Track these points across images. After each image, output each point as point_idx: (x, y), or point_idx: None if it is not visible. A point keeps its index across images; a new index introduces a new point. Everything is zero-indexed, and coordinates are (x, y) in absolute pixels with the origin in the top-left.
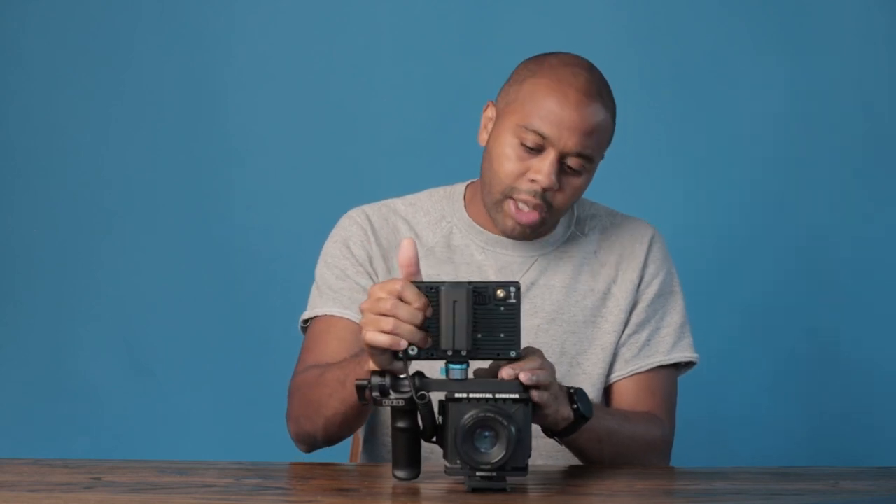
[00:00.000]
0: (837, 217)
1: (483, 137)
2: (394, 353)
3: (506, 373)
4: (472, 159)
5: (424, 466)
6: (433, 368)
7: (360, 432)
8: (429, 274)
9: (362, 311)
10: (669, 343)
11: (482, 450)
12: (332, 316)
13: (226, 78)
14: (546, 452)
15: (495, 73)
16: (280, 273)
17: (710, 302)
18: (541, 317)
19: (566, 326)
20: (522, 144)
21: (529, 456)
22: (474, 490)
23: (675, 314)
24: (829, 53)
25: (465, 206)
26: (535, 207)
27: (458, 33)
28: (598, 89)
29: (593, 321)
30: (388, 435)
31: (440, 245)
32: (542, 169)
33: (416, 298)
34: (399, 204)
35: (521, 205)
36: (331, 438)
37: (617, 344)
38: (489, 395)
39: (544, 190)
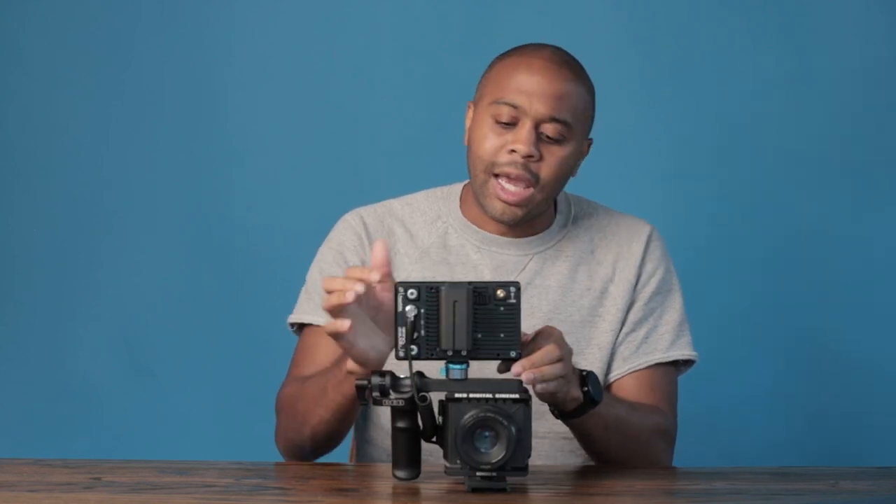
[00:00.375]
0: (838, 217)
1: (466, 137)
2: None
3: (519, 367)
4: None
5: (424, 466)
6: (433, 368)
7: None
8: (424, 276)
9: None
10: (668, 341)
11: (482, 450)
12: (320, 327)
13: (226, 78)
14: (545, 453)
15: None
16: (280, 273)
17: (709, 301)
18: (537, 317)
19: (563, 326)
20: (498, 122)
21: (529, 456)
22: (474, 490)
23: (673, 312)
24: (829, 53)
25: (460, 205)
26: (519, 179)
27: (458, 33)
28: (563, 59)
29: (590, 320)
30: (383, 438)
31: (435, 245)
32: (520, 138)
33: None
34: (396, 205)
35: (505, 184)
36: (318, 448)
37: (614, 343)
38: (489, 395)
39: (525, 159)
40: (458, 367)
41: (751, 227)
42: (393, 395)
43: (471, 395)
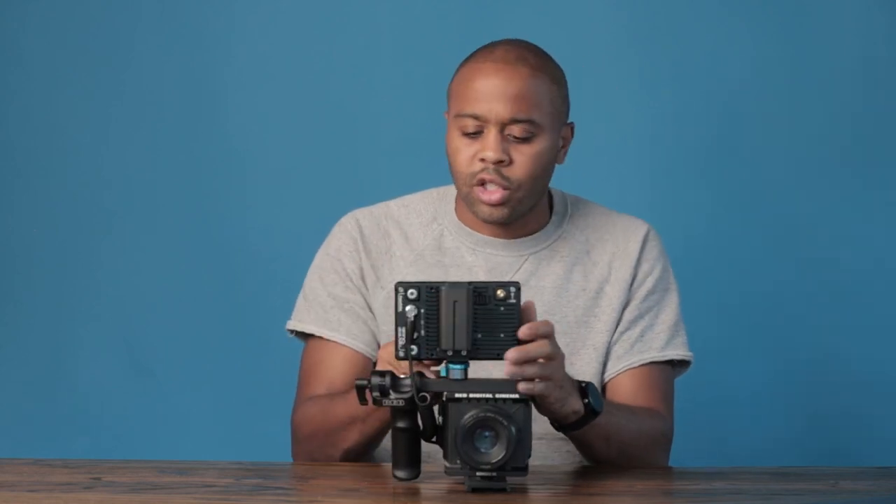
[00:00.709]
0: (838, 216)
1: (446, 149)
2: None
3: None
4: None
5: (424, 466)
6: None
7: None
8: (419, 278)
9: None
10: (663, 340)
11: (482, 450)
12: (322, 339)
13: (226, 78)
14: (543, 454)
15: None
16: (280, 273)
17: (708, 301)
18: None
19: (558, 328)
20: (465, 134)
21: (529, 456)
22: (474, 490)
23: (669, 311)
24: (828, 53)
25: (455, 207)
26: (494, 184)
27: (458, 33)
28: (518, 55)
29: (585, 321)
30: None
31: (430, 247)
32: (486, 145)
33: None
34: (393, 206)
35: (487, 185)
36: (348, 460)
37: (610, 343)
38: (489, 395)
39: (496, 165)
40: (457, 367)
41: (750, 226)
42: (393, 395)
43: (471, 395)
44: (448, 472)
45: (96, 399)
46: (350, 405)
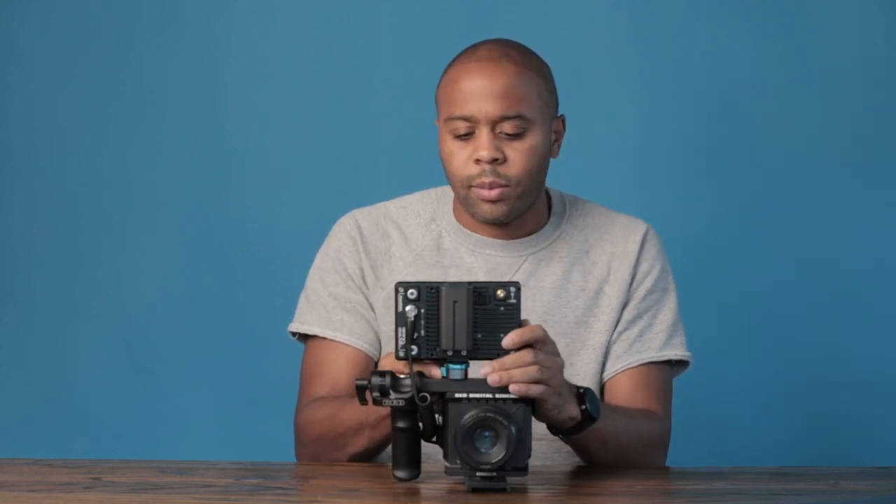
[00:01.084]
0: (838, 216)
1: (440, 154)
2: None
3: (488, 368)
4: None
5: (424, 466)
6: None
7: None
8: (418, 278)
9: None
10: (662, 340)
11: (482, 450)
12: (325, 339)
13: (226, 78)
14: (543, 454)
15: None
16: (280, 273)
17: (708, 301)
18: (532, 319)
19: (557, 328)
20: (457, 137)
21: (529, 456)
22: (474, 490)
23: (668, 311)
24: (828, 53)
25: (453, 209)
26: (492, 185)
27: (458, 33)
28: (501, 52)
29: (585, 321)
30: None
31: (429, 248)
32: (480, 145)
33: None
34: (391, 207)
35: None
36: (355, 462)
37: (608, 343)
38: (489, 395)
39: (491, 163)
40: (457, 367)
41: (750, 226)
42: (393, 395)
43: (471, 395)
44: (448, 472)
45: (96, 399)
46: (360, 410)
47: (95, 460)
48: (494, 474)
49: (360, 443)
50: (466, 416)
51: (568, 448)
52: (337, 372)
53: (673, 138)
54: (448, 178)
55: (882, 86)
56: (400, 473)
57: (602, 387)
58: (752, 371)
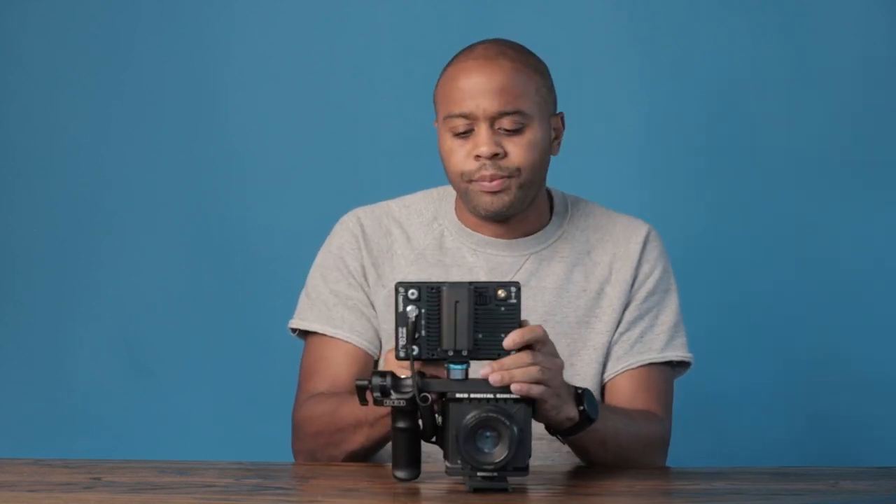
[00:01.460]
0: (838, 216)
1: (439, 153)
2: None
3: (488, 368)
4: None
5: (424, 466)
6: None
7: None
8: (420, 278)
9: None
10: (663, 341)
11: (484, 450)
12: (325, 336)
13: (226, 78)
14: (543, 454)
15: None
16: (280, 273)
17: (708, 301)
18: (533, 318)
19: (558, 328)
20: (456, 135)
21: (530, 456)
22: (475, 490)
23: (669, 312)
24: (829, 53)
25: (455, 208)
26: (493, 178)
27: (457, 33)
28: (498, 50)
29: (586, 321)
30: None
31: (431, 247)
32: (479, 141)
33: None
34: (393, 206)
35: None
36: (350, 461)
37: (610, 343)
38: (490, 395)
39: (492, 159)
40: (458, 367)
41: (750, 226)
42: (394, 396)
43: (472, 396)
44: (449, 472)
45: (96, 399)
46: (359, 408)
47: (95, 460)
48: (496, 474)
49: (357, 440)
50: (468, 417)
51: (568, 448)
52: (336, 369)
53: (673, 138)
54: (448, 175)
55: (882, 86)
56: (400, 473)
57: (603, 387)
58: (752, 371)
